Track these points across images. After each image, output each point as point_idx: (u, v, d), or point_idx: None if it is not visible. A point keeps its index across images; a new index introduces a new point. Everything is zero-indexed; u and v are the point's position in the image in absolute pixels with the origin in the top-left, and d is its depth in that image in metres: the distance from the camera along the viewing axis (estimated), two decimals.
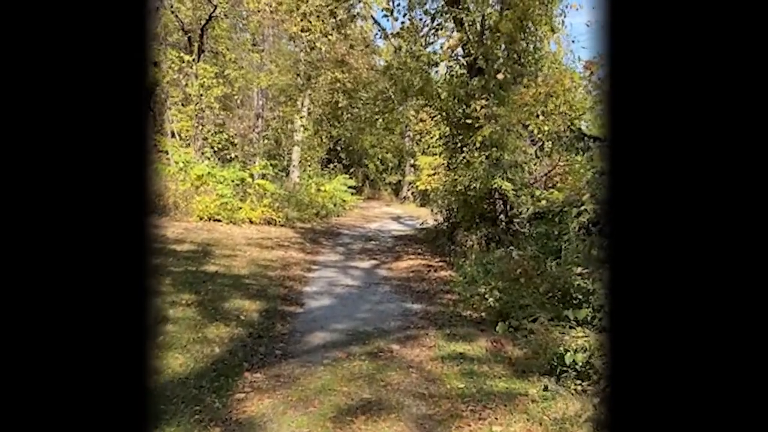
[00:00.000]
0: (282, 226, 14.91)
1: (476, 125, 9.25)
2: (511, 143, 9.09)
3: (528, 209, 7.55)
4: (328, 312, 7.44)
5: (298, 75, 13.38)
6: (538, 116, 8.13)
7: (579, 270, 5.59)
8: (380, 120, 11.54)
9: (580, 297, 5.27)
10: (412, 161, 25.75)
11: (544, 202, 7.16)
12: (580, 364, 4.35)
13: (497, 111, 8.80)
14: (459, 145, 10.76)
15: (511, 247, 6.56)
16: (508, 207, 10.69)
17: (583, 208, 6.38)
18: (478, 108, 9.00)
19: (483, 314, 7.08)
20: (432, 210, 15.68)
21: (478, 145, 9.15)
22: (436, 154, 23.48)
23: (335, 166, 25.67)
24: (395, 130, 24.94)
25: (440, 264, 11.02)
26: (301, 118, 20.86)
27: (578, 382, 4.62)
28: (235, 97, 16.26)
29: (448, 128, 10.72)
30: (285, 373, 5.20)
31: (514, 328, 5.89)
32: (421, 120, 12.44)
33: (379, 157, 27.95)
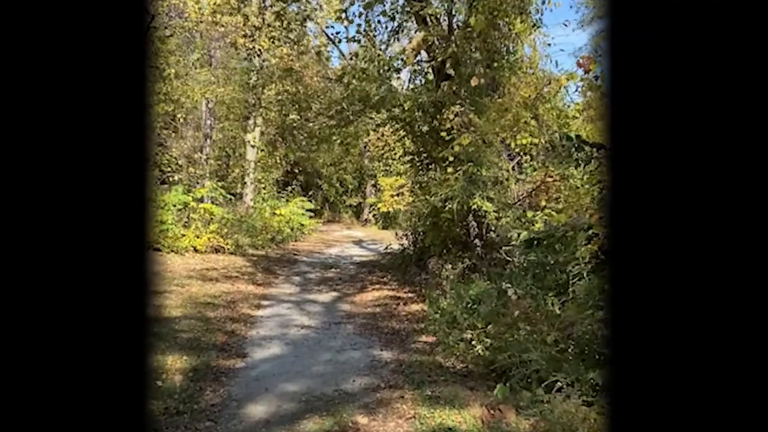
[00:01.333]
0: (232, 254, 13.22)
1: (447, 137, 7.87)
2: (488, 157, 7.74)
3: (519, 234, 6.17)
4: (276, 366, 5.84)
5: (246, 85, 11.73)
6: (525, 122, 6.78)
7: (601, 314, 4.19)
8: (336, 136, 9.96)
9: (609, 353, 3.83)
10: (373, 182, 24.34)
11: (539, 225, 5.80)
12: None
13: (474, 119, 7.44)
14: (426, 162, 9.35)
15: (508, 285, 5.13)
16: (484, 230, 9.31)
17: (592, 232, 4.98)
18: (450, 116, 7.62)
19: (470, 365, 5.59)
20: (396, 233, 14.23)
21: (451, 159, 7.76)
22: (398, 174, 22.16)
23: (293, 189, 24.14)
24: (353, 149, 23.50)
25: (410, 295, 9.53)
26: (254, 138, 19.22)
27: None
28: (179, 115, 14.54)
29: (412, 144, 9.28)
30: None
31: (516, 391, 4.41)
32: (383, 134, 10.92)
33: (338, 178, 26.43)
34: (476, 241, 9.42)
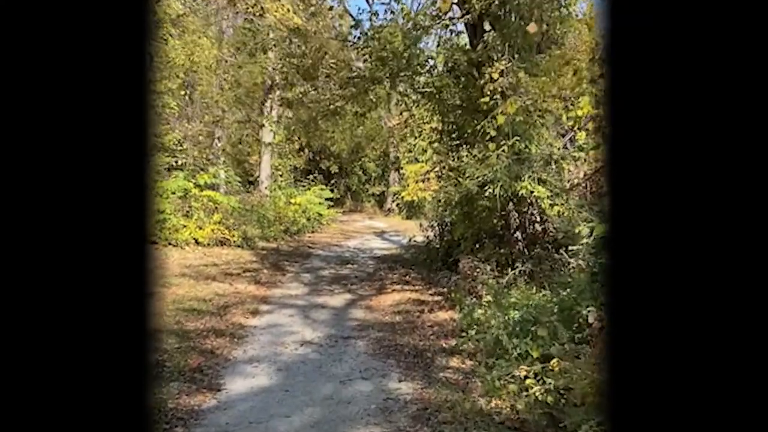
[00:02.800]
0: (239, 247, 11.71)
1: (486, 107, 6.14)
2: (538, 130, 5.99)
3: (591, 228, 4.44)
4: (258, 406, 4.24)
5: (243, 46, 10.01)
6: (593, 80, 5.01)
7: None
8: (352, 106, 8.17)
9: None
10: (396, 167, 22.62)
11: None
12: None
13: (523, 79, 5.68)
14: (457, 140, 7.62)
15: (590, 309, 3.41)
16: (527, 221, 7.59)
17: None
18: (494, 76, 5.86)
19: (523, 414, 3.90)
20: (420, 224, 12.56)
21: (492, 133, 6.01)
22: (422, 160, 20.41)
23: (315, 177, 22.79)
24: (377, 135, 21.81)
25: (436, 299, 7.86)
26: (270, 121, 17.69)
27: None
28: (183, 93, 13.01)
29: (441, 120, 7.49)
30: None
31: None
32: (405, 108, 9.04)
33: (361, 166, 24.83)
34: (517, 234, 7.70)
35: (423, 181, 12.56)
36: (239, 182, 18.53)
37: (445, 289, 8.35)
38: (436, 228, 11.46)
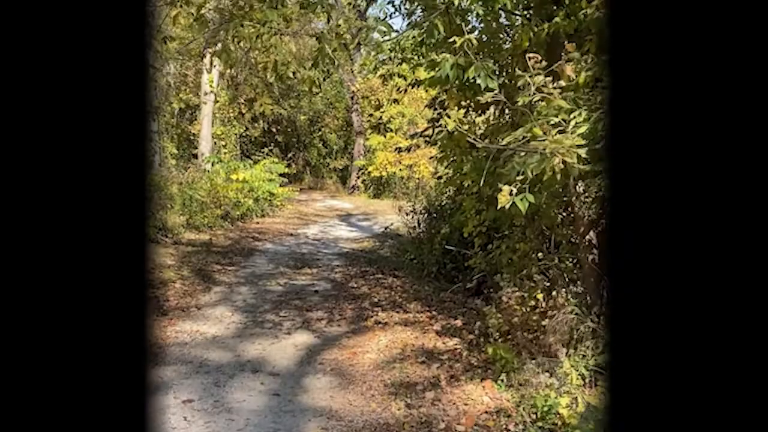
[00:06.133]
0: (153, 242, 7.98)
1: None
2: None
3: None
4: None
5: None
6: None
7: None
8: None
9: None
10: (362, 141, 18.95)
11: None
12: None
13: None
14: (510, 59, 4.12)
15: None
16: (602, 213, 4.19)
17: None
18: None
19: None
20: (399, 208, 9.08)
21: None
22: (393, 128, 16.79)
23: (271, 150, 19.09)
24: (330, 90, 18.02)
25: (450, 344, 4.46)
26: (210, 80, 13.84)
27: None
28: None
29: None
30: None
31: None
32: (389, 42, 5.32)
33: (322, 137, 21.08)
34: (590, 236, 4.33)
35: (409, 150, 9.05)
36: (176, 155, 14.67)
37: (458, 321, 4.95)
38: (419, 215, 8.06)
